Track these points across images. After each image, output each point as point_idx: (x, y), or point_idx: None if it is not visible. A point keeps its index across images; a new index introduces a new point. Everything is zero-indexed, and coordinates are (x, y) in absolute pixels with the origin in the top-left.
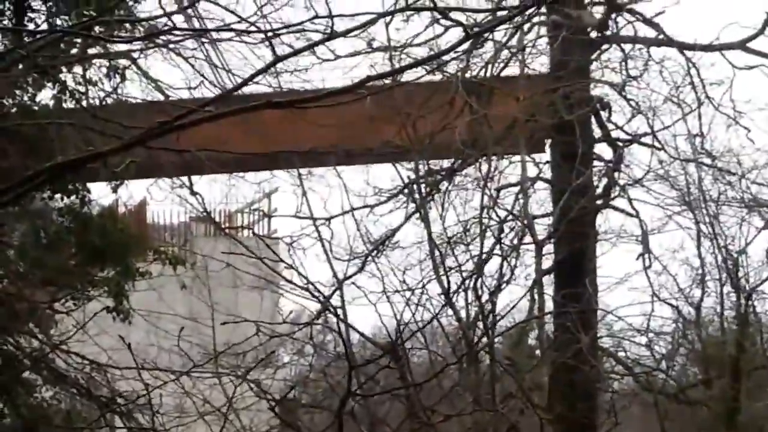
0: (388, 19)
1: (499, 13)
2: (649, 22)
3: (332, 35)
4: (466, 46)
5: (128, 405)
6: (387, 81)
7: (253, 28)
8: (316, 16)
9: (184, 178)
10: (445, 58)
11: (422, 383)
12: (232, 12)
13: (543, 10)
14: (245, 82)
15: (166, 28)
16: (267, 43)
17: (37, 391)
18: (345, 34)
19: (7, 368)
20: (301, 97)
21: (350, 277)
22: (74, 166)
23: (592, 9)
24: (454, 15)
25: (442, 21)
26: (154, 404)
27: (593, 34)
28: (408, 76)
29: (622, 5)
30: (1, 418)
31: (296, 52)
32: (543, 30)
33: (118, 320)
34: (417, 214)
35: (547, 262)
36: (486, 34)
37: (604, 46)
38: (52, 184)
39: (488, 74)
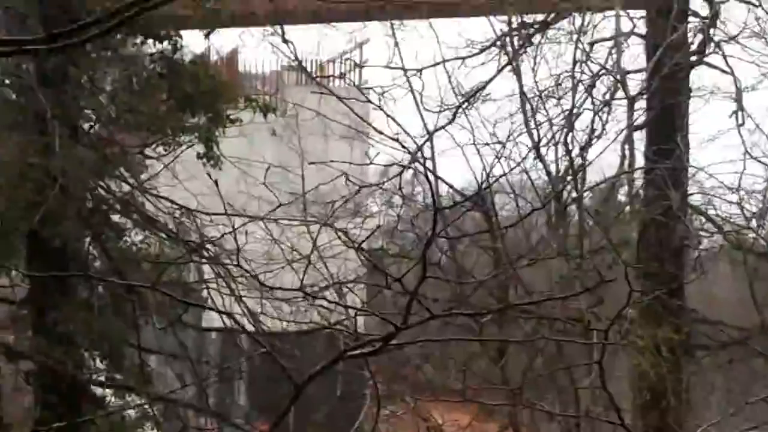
0: None
1: None
2: None
3: None
4: None
5: (216, 249)
6: None
7: None
8: None
9: (277, 27)
10: None
11: (508, 227)
12: None
13: None
14: None
15: None
16: None
17: (126, 234)
18: None
19: (97, 211)
20: None
21: (441, 128)
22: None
23: None
24: None
25: None
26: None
27: None
28: None
29: None
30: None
31: None
32: None
33: (208, 166)
34: (509, 67)
35: (639, 118)
36: None
37: None
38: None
39: None
